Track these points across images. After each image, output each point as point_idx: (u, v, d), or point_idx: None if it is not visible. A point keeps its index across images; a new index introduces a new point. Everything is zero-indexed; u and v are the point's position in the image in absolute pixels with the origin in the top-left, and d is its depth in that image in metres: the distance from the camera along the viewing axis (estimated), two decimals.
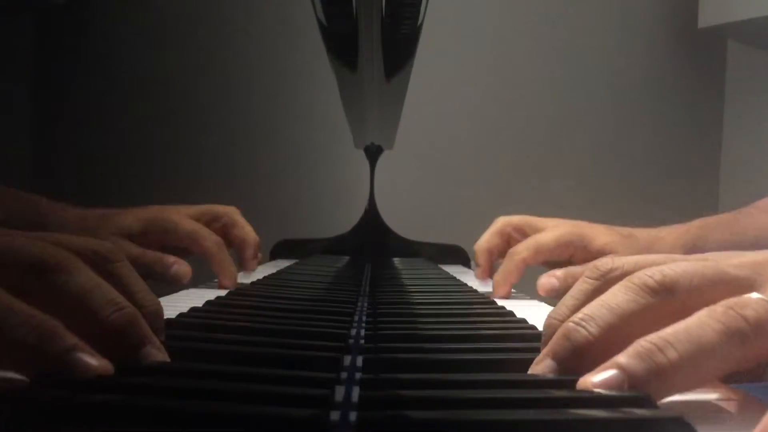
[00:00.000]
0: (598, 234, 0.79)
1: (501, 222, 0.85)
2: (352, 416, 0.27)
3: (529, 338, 0.43)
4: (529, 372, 0.33)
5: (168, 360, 0.32)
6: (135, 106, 1.55)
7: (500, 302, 0.63)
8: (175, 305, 0.58)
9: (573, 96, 1.58)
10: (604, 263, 0.36)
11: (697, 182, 1.61)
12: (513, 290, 0.80)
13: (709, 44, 1.59)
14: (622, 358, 0.29)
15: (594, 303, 0.33)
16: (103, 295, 0.32)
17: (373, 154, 1.26)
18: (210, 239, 0.78)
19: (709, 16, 1.46)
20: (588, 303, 0.34)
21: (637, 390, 0.28)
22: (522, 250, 0.78)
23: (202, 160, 1.54)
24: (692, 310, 0.31)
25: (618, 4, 1.60)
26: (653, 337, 0.29)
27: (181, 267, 0.73)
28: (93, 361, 0.29)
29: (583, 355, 0.31)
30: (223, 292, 0.62)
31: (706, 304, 0.31)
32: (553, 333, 0.34)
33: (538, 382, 0.31)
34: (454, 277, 0.88)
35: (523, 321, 0.50)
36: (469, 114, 1.56)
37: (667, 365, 0.28)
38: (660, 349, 0.29)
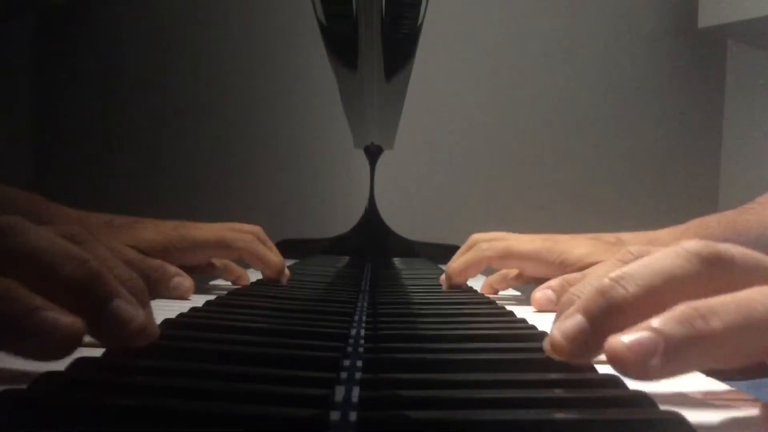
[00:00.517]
0: (575, 245, 0.71)
1: (471, 238, 0.77)
2: (352, 416, 0.27)
3: (529, 338, 0.43)
4: (557, 326, 0.30)
5: (150, 312, 0.31)
6: (135, 106, 1.55)
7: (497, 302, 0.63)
8: (175, 305, 0.58)
9: (573, 96, 1.58)
10: (639, 249, 0.33)
11: (697, 182, 1.61)
12: (518, 293, 0.80)
13: (709, 44, 1.59)
14: (658, 320, 0.26)
15: (635, 263, 0.30)
16: (61, 250, 0.29)
17: (373, 154, 1.26)
18: (241, 239, 0.72)
19: (709, 16, 1.46)
20: None
21: (673, 355, 0.26)
22: (490, 248, 0.72)
23: (203, 160, 1.54)
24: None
25: (618, 4, 1.60)
26: (697, 303, 0.27)
27: (184, 280, 0.64)
28: (62, 317, 0.27)
29: (618, 315, 0.28)
30: (223, 292, 0.62)
31: None
32: (566, 306, 0.32)
33: (538, 382, 0.31)
34: None
35: (523, 321, 0.50)
36: (469, 114, 1.56)
37: (708, 334, 0.26)
38: (702, 316, 0.26)
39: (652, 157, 1.60)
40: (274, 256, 0.74)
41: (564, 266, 0.70)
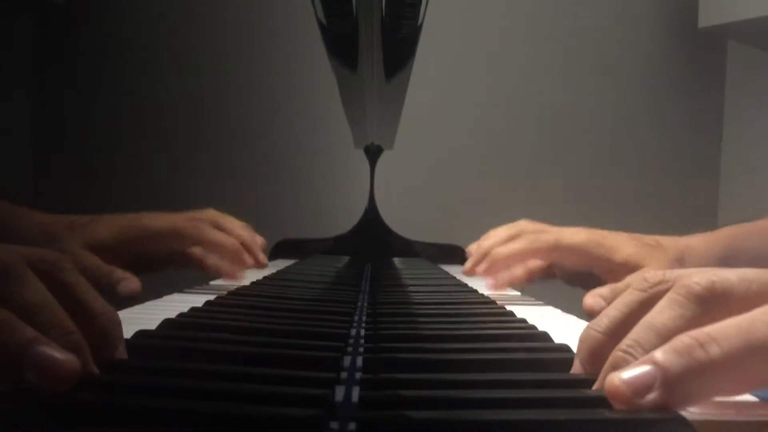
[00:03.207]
0: (622, 244, 0.72)
1: (517, 225, 0.78)
2: (352, 416, 0.27)
3: (529, 338, 0.43)
4: None
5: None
6: (135, 105, 1.55)
7: (499, 304, 0.63)
8: (175, 306, 0.58)
9: (573, 96, 1.58)
10: (655, 275, 0.33)
11: (697, 182, 1.61)
12: (518, 293, 0.80)
13: (709, 44, 1.59)
14: (658, 353, 0.26)
15: (640, 325, 0.30)
16: (51, 316, 0.30)
17: (373, 154, 1.26)
18: (192, 227, 0.73)
19: (709, 16, 1.46)
20: (632, 315, 0.31)
21: (672, 388, 0.26)
22: (540, 239, 0.72)
23: (202, 160, 1.54)
24: None
25: (618, 5, 1.60)
26: (696, 332, 0.27)
27: (129, 283, 0.66)
28: (57, 353, 0.27)
29: None
30: (223, 293, 0.62)
31: None
32: (590, 345, 0.32)
33: (538, 382, 0.31)
34: (454, 277, 0.88)
35: (523, 321, 0.50)
36: (469, 114, 1.56)
37: (707, 362, 0.26)
38: (701, 345, 0.26)
39: (652, 157, 1.60)
40: (225, 238, 0.72)
41: (609, 262, 0.71)
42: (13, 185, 0.77)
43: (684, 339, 0.26)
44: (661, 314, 0.30)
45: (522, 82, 1.58)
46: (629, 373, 0.26)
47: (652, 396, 0.26)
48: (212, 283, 0.79)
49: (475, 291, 0.75)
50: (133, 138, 1.55)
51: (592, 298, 0.65)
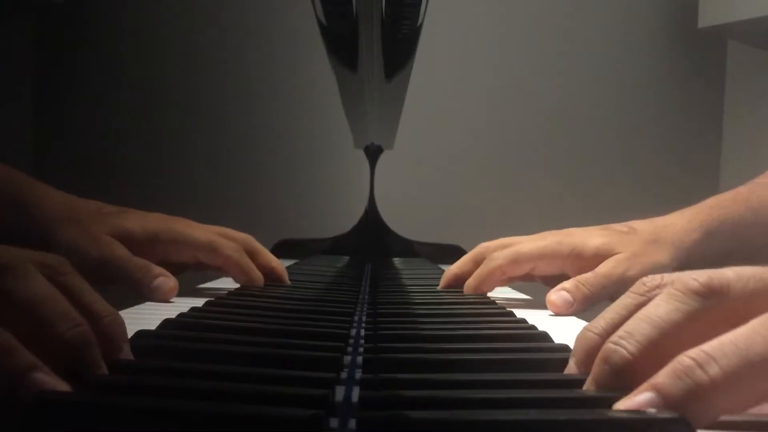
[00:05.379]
0: (590, 237, 0.69)
1: (479, 247, 0.75)
2: (352, 416, 0.27)
3: (529, 338, 0.43)
4: None
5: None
6: (135, 105, 1.55)
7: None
8: (175, 305, 0.58)
9: (573, 96, 1.58)
10: (653, 278, 0.32)
11: (697, 182, 1.61)
12: (527, 296, 0.79)
13: (709, 44, 1.59)
14: (658, 377, 0.26)
15: (635, 317, 0.30)
16: (59, 307, 0.29)
17: (373, 154, 1.26)
18: (229, 246, 0.69)
19: (709, 16, 1.46)
20: (628, 318, 0.31)
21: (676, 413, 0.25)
22: (499, 256, 0.68)
23: (202, 160, 1.54)
24: (752, 319, 0.27)
25: (618, 4, 1.60)
26: (694, 352, 0.26)
27: (168, 281, 0.62)
28: (53, 382, 0.26)
29: (624, 376, 0.28)
30: (223, 293, 0.62)
31: None
32: (585, 346, 0.32)
33: (538, 382, 0.31)
34: None
35: (523, 321, 0.50)
36: (469, 114, 1.56)
37: (707, 384, 0.25)
38: (700, 365, 0.26)
39: (652, 157, 1.60)
40: (255, 272, 0.70)
41: (580, 259, 0.67)
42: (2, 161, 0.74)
43: (683, 360, 0.26)
44: (656, 307, 0.30)
45: (521, 81, 1.58)
46: (630, 402, 0.26)
47: None
48: (200, 285, 0.79)
49: None
50: (133, 137, 1.54)
51: (555, 294, 0.62)
